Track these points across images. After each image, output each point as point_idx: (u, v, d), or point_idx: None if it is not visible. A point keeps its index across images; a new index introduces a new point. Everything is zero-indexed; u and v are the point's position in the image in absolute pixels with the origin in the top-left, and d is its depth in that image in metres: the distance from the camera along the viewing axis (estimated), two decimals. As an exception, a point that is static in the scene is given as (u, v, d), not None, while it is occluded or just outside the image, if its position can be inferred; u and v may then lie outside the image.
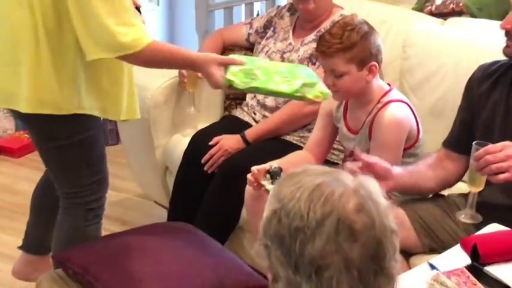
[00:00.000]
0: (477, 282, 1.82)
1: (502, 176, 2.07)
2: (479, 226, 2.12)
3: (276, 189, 1.35)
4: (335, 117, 2.73)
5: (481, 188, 2.15)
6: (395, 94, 2.62)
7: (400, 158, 2.56)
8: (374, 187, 1.34)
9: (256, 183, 2.41)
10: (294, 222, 1.29)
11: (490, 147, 2.10)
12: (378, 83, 2.61)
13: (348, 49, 2.49)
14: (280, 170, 2.38)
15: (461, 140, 2.44)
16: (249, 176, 2.46)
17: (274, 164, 2.44)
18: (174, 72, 3.25)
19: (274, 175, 2.38)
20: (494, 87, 2.41)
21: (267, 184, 2.39)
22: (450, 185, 2.49)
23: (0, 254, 3.38)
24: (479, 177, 2.12)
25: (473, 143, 2.17)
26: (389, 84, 2.66)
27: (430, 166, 2.46)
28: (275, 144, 2.97)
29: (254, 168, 2.44)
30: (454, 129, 2.52)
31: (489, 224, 2.10)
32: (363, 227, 1.28)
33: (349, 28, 2.50)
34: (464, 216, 2.20)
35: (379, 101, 2.58)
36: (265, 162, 2.49)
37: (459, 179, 2.45)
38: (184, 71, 3.19)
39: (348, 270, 1.27)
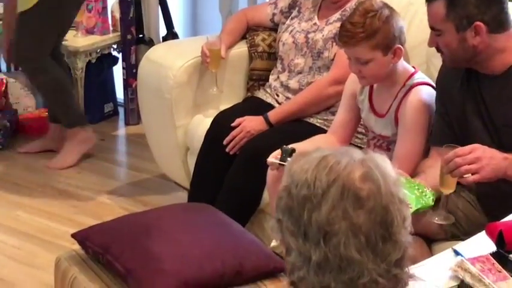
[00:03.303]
0: (502, 270, 1.81)
1: (471, 178, 2.15)
2: (504, 213, 2.11)
3: (288, 166, 1.38)
4: (359, 100, 2.72)
5: (452, 190, 2.22)
6: (420, 76, 2.61)
7: (425, 142, 2.55)
8: (383, 160, 1.36)
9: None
10: (301, 192, 1.32)
11: (459, 150, 2.17)
12: (403, 65, 2.61)
13: (371, 36, 2.48)
14: (293, 150, 2.45)
15: (449, 133, 2.46)
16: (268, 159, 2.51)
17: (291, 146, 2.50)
18: (197, 52, 3.26)
19: (284, 152, 2.46)
20: (458, 83, 2.42)
21: (275, 160, 2.50)
22: None
23: (18, 231, 3.41)
24: (450, 179, 2.19)
25: (444, 146, 2.24)
26: (414, 67, 2.65)
27: (435, 166, 2.45)
28: (298, 127, 2.96)
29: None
30: (439, 122, 2.51)
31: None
32: (369, 194, 1.31)
33: (370, 15, 2.48)
34: (438, 218, 2.25)
35: (404, 84, 2.58)
36: (287, 144, 2.49)
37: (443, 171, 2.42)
38: (207, 51, 3.20)
39: (355, 235, 1.30)
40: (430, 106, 2.55)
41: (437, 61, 2.91)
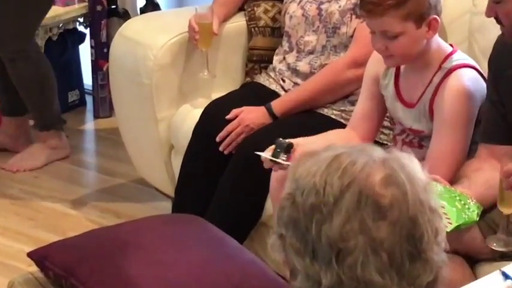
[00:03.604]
0: None
1: None
2: None
3: (292, 169, 1.39)
4: (382, 85, 2.73)
5: None
6: (460, 57, 2.61)
7: (470, 137, 2.56)
8: (409, 160, 1.36)
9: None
10: (308, 200, 1.32)
11: None
12: (438, 43, 2.61)
13: (402, 3, 2.48)
14: (289, 145, 2.46)
15: (504, 126, 2.46)
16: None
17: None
18: (183, 27, 3.26)
19: (278, 147, 2.48)
20: None
21: (266, 155, 2.51)
22: None
23: None
24: (510, 196, 2.18)
25: (509, 148, 2.25)
26: (452, 46, 2.65)
27: (483, 169, 2.46)
28: (309, 120, 2.97)
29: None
30: (489, 116, 2.51)
31: None
32: (393, 202, 1.31)
33: None
34: (496, 244, 2.25)
35: (440, 67, 2.58)
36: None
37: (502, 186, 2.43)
38: (195, 25, 3.20)
39: (375, 253, 1.30)
40: (475, 94, 2.55)
41: (481, 37, 2.93)
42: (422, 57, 2.60)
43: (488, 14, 2.36)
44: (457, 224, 2.20)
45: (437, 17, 2.53)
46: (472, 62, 2.63)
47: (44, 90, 3.98)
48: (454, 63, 2.58)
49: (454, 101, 2.54)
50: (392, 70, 2.70)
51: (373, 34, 2.56)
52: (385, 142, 2.90)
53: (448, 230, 2.14)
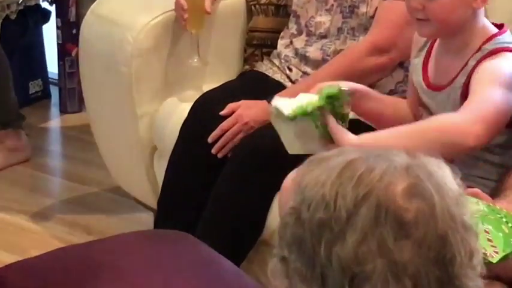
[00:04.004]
0: None
1: None
2: None
3: (299, 179, 1.39)
4: (412, 64, 2.77)
5: None
6: (508, 39, 2.62)
7: (509, 114, 2.54)
8: (438, 167, 1.37)
9: None
10: (316, 215, 1.33)
11: None
12: (483, 21, 2.62)
13: None
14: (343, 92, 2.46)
15: None
16: None
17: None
18: (169, 4, 3.27)
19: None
20: None
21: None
22: None
23: None
24: None
25: None
26: (499, 27, 2.65)
27: None
28: None
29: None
30: None
31: None
32: (418, 217, 1.31)
33: None
34: None
35: (480, 48, 2.59)
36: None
37: None
38: (184, 2, 3.20)
39: (397, 279, 1.30)
40: None
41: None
42: (462, 34, 2.60)
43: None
44: (504, 254, 2.20)
45: None
46: None
47: None
48: (499, 45, 2.59)
49: (493, 69, 2.54)
50: (427, 48, 2.72)
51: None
52: None
53: (494, 261, 2.14)
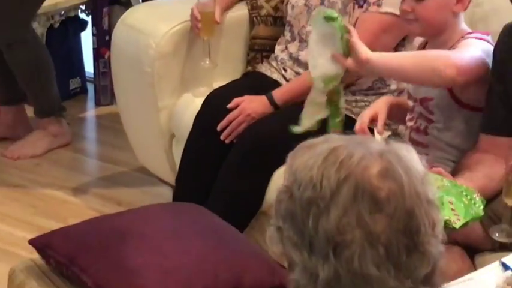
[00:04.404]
0: (562, 288, 1.82)
1: None
2: None
3: (290, 162, 1.39)
4: None
5: None
6: (478, 35, 2.61)
7: (479, 71, 2.51)
8: (407, 151, 1.37)
9: None
10: (305, 193, 1.33)
11: None
12: (462, 24, 2.62)
13: None
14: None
15: (507, 115, 2.44)
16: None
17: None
18: (186, 15, 3.26)
19: None
20: None
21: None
22: None
23: None
24: None
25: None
26: (486, 33, 2.65)
27: (483, 161, 2.46)
28: None
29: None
30: (494, 102, 2.50)
31: None
32: (389, 195, 1.31)
33: None
34: (499, 235, 2.25)
35: (459, 40, 2.58)
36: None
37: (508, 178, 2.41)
38: (198, 14, 3.20)
39: (372, 246, 1.30)
40: (484, 60, 2.52)
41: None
42: (444, 33, 2.60)
43: (405, 8, 2.42)
44: (465, 221, 2.20)
45: None
46: (490, 40, 2.60)
47: (41, 77, 3.95)
48: (472, 35, 2.59)
49: (465, 43, 2.55)
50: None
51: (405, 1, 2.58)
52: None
53: (457, 226, 2.14)
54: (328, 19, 2.48)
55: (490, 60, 2.52)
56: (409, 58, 2.59)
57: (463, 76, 2.44)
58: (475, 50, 2.52)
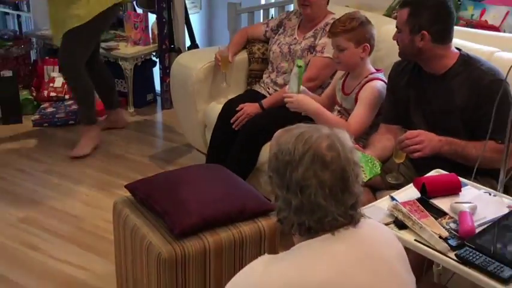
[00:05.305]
0: (424, 210, 1.83)
1: (416, 154, 2.14)
2: (424, 171, 2.10)
3: (276, 139, 1.37)
4: (337, 86, 2.74)
5: (402, 160, 2.22)
6: (378, 75, 2.59)
7: (372, 118, 2.54)
8: (343, 134, 1.35)
9: None
10: (285, 158, 1.32)
11: (409, 133, 2.17)
12: (369, 65, 2.61)
13: (349, 31, 2.52)
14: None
15: (395, 114, 2.43)
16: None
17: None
18: (212, 58, 3.24)
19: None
20: (406, 78, 2.38)
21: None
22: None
23: (87, 183, 3.40)
24: (400, 153, 2.19)
25: (397, 127, 2.25)
26: (379, 70, 2.63)
27: (381, 140, 2.44)
28: (283, 110, 2.90)
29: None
30: (388, 106, 2.48)
31: (434, 169, 2.09)
32: (332, 159, 1.30)
33: (351, 17, 2.53)
34: (391, 179, 2.27)
35: (367, 77, 2.58)
36: (276, 123, 2.44)
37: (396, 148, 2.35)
38: (219, 57, 3.18)
39: (322, 188, 1.30)
40: (381, 94, 2.53)
41: (381, 64, 2.90)
42: (356, 69, 2.59)
43: (393, 38, 2.35)
44: (370, 177, 2.20)
45: (369, 46, 2.54)
46: (383, 78, 2.59)
47: (87, 99, 3.63)
48: (375, 76, 2.57)
49: (369, 92, 2.54)
50: (344, 76, 2.71)
51: (334, 51, 2.58)
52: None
53: (365, 180, 2.14)
54: (298, 65, 2.50)
55: (382, 93, 2.52)
56: (328, 117, 2.55)
57: (360, 133, 2.51)
58: (366, 106, 2.52)
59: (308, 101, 2.56)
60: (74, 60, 3.51)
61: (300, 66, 2.55)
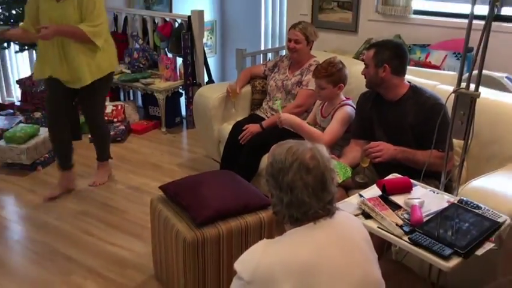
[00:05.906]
0: (384, 205, 1.83)
1: (377, 160, 2.15)
2: (384, 174, 2.09)
3: (272, 152, 1.36)
4: (317, 111, 2.74)
5: (367, 165, 2.21)
6: (350, 102, 2.61)
7: (342, 133, 2.54)
8: (322, 148, 1.34)
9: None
10: (278, 165, 1.31)
11: (372, 144, 2.19)
12: (341, 96, 2.62)
13: (329, 76, 2.54)
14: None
15: (362, 131, 2.42)
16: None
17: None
18: (224, 90, 3.24)
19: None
20: (370, 104, 2.39)
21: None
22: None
23: (131, 186, 3.38)
24: (366, 159, 2.19)
25: (364, 141, 2.23)
26: (348, 98, 2.64)
27: (352, 151, 2.44)
28: (278, 129, 2.91)
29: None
30: (356, 125, 2.47)
31: (391, 173, 2.09)
32: (314, 166, 1.29)
33: (331, 64, 2.54)
34: (358, 179, 2.25)
35: (340, 103, 2.59)
36: (272, 139, 2.42)
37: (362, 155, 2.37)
38: (229, 89, 3.19)
39: (306, 188, 1.29)
40: (350, 115, 2.54)
41: (351, 96, 2.90)
42: (332, 101, 2.60)
43: (362, 73, 2.34)
44: (343, 179, 2.19)
45: (343, 85, 2.55)
46: (352, 104, 2.60)
47: (105, 142, 3.30)
48: (346, 102, 2.58)
49: (340, 113, 2.55)
50: (321, 105, 2.70)
51: (316, 87, 2.59)
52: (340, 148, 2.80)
53: (340, 182, 2.14)
54: (275, 100, 2.50)
55: (352, 116, 2.52)
56: (307, 129, 2.54)
57: (331, 144, 2.49)
58: (339, 124, 2.50)
59: (291, 116, 2.60)
60: (101, 110, 3.12)
61: (277, 100, 2.61)
